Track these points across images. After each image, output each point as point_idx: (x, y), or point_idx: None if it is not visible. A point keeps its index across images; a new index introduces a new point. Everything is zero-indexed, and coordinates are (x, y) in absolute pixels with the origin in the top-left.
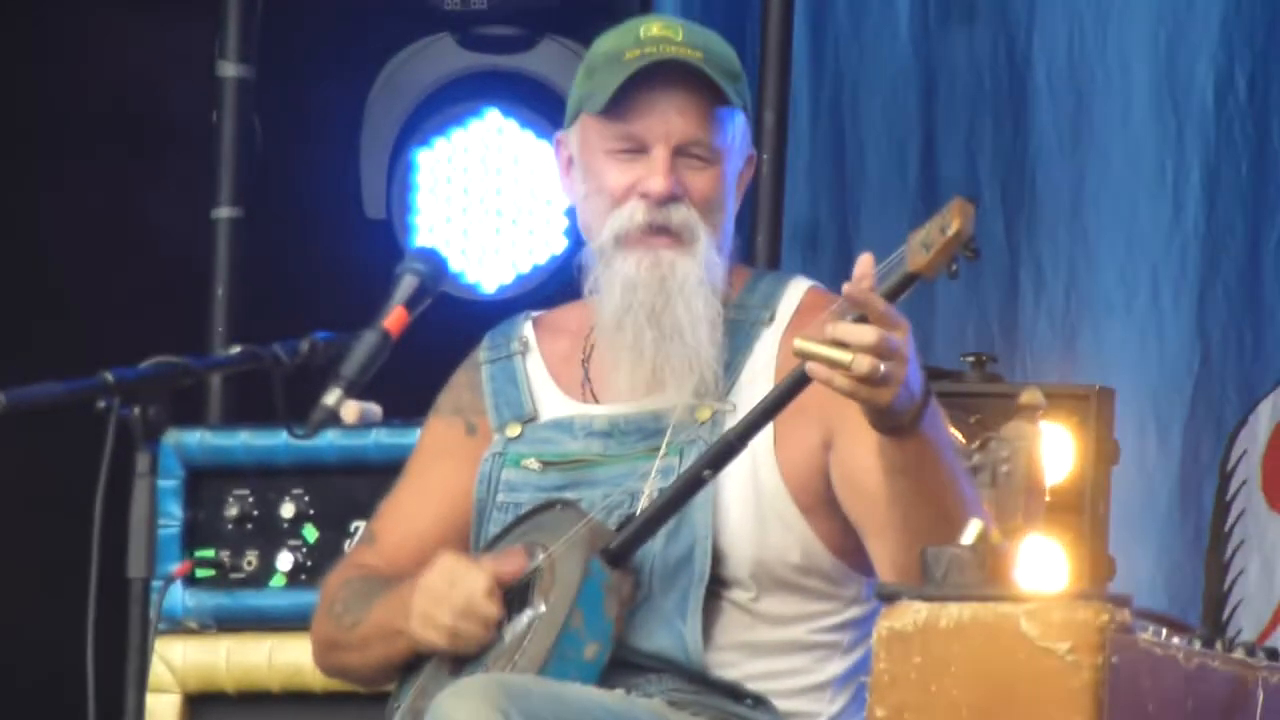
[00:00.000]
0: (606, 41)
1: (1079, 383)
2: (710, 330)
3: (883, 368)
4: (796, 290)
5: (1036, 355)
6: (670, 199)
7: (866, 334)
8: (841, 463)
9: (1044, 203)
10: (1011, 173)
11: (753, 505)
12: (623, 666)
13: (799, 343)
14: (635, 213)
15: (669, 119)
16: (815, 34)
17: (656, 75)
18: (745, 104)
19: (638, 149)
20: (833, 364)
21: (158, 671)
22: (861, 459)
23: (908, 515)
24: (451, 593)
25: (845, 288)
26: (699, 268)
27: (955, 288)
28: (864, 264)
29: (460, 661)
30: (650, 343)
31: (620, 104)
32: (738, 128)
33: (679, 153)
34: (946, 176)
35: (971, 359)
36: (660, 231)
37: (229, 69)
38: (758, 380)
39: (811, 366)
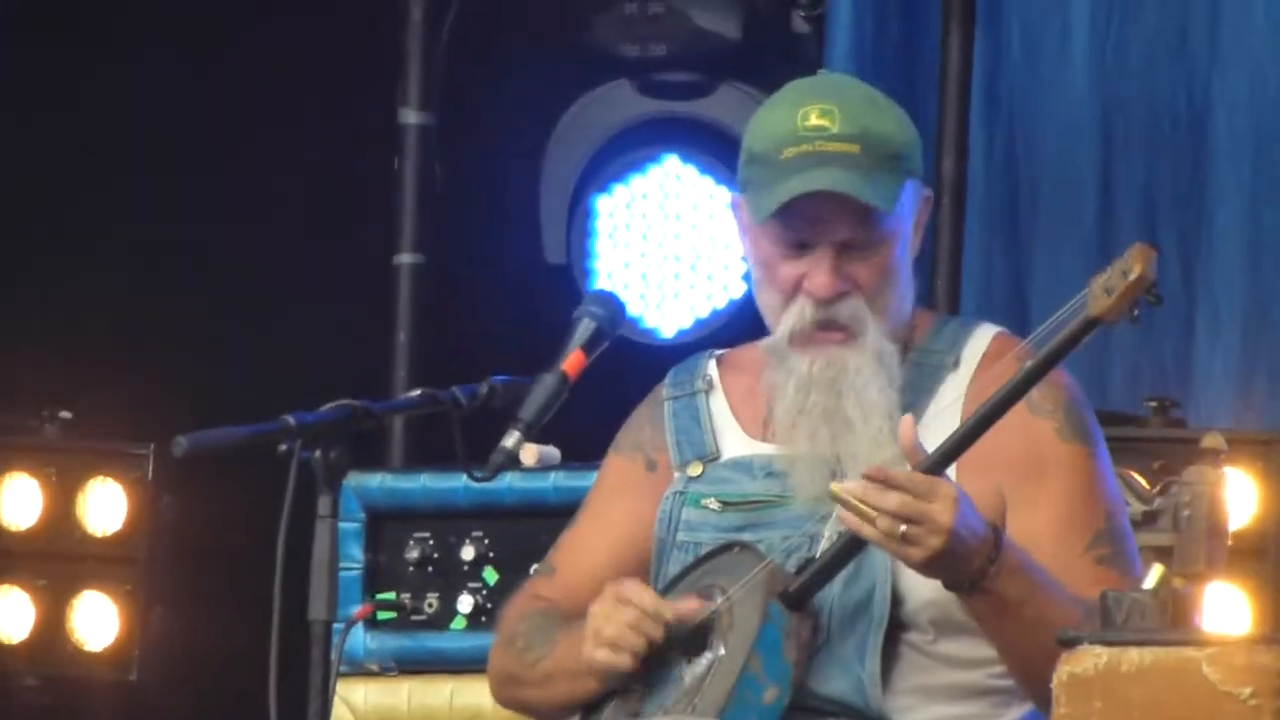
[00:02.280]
0: (767, 122)
1: (1262, 429)
2: (886, 419)
3: (903, 529)
4: (983, 337)
5: (1211, 399)
6: (837, 296)
7: (887, 500)
8: None
9: (1221, 246)
10: (1189, 215)
11: None
12: (801, 711)
13: (834, 487)
14: (805, 311)
15: (830, 220)
16: (990, 75)
17: (817, 174)
18: (912, 170)
19: (802, 245)
20: (861, 515)
21: (339, 714)
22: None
23: (1000, 647)
24: (618, 609)
25: (867, 470)
26: (871, 358)
27: (1130, 331)
28: (906, 427)
29: (641, 703)
30: (826, 439)
31: (780, 209)
32: (904, 196)
33: (843, 247)
34: (1122, 219)
35: (1154, 404)
36: (829, 326)
37: (411, 116)
38: (941, 425)
39: (841, 512)
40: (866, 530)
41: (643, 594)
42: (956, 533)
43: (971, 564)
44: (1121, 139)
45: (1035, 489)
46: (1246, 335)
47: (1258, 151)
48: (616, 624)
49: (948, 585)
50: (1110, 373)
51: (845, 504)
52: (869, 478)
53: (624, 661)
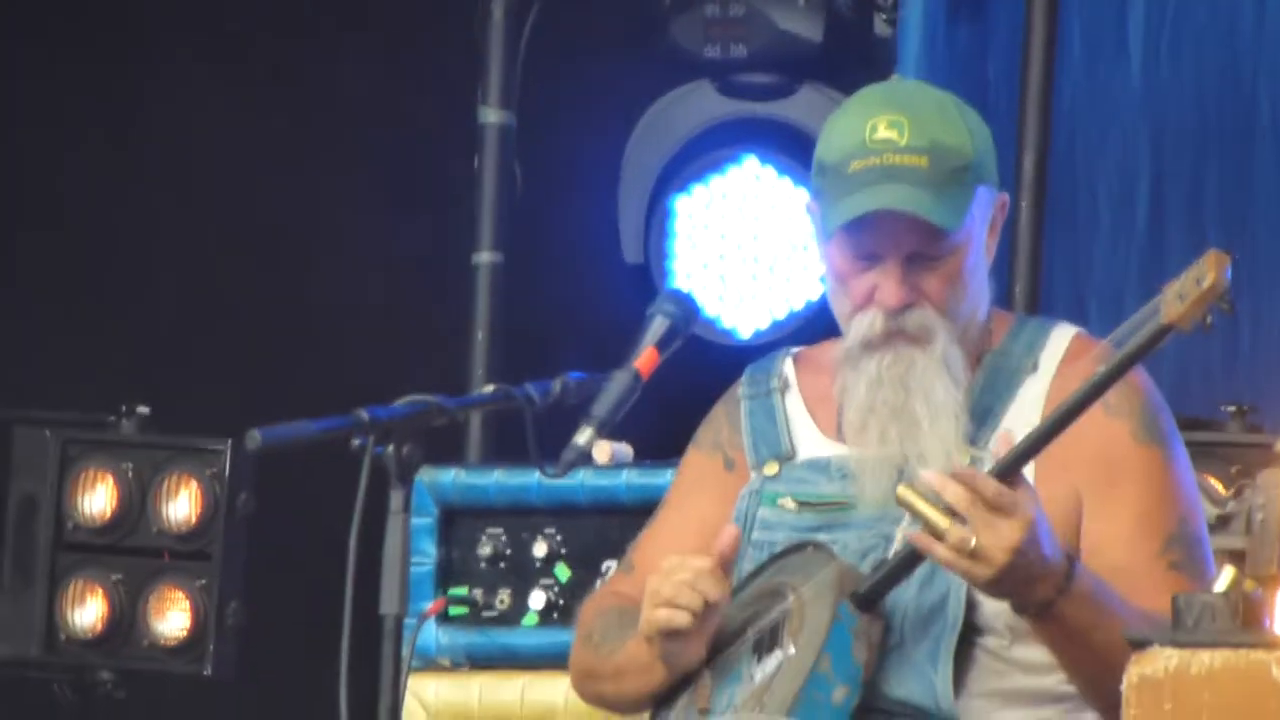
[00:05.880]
0: (837, 132)
1: None
2: (954, 420)
3: (973, 542)
4: (1062, 338)
5: (1258, 401)
6: (905, 307)
7: (958, 495)
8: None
9: (1264, 244)
10: (1234, 212)
11: None
12: (871, 712)
13: (902, 490)
14: (875, 321)
15: (898, 234)
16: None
17: (884, 190)
18: (982, 177)
19: (872, 257)
20: (932, 528)
21: (411, 709)
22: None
23: (1065, 665)
24: (672, 571)
25: (955, 471)
26: (938, 361)
27: (1202, 333)
28: (1004, 442)
29: (710, 700)
30: (894, 438)
31: (848, 224)
32: (974, 205)
33: (912, 258)
34: (1173, 217)
35: (1233, 409)
36: (898, 335)
37: (490, 115)
38: (1020, 429)
39: (909, 531)
40: (937, 550)
41: (696, 557)
42: (1024, 553)
43: (1038, 591)
44: (1173, 136)
45: (1109, 491)
46: None
47: None
48: (672, 583)
49: (1015, 608)
50: (1159, 375)
51: (913, 510)
52: (956, 476)
53: (681, 619)
